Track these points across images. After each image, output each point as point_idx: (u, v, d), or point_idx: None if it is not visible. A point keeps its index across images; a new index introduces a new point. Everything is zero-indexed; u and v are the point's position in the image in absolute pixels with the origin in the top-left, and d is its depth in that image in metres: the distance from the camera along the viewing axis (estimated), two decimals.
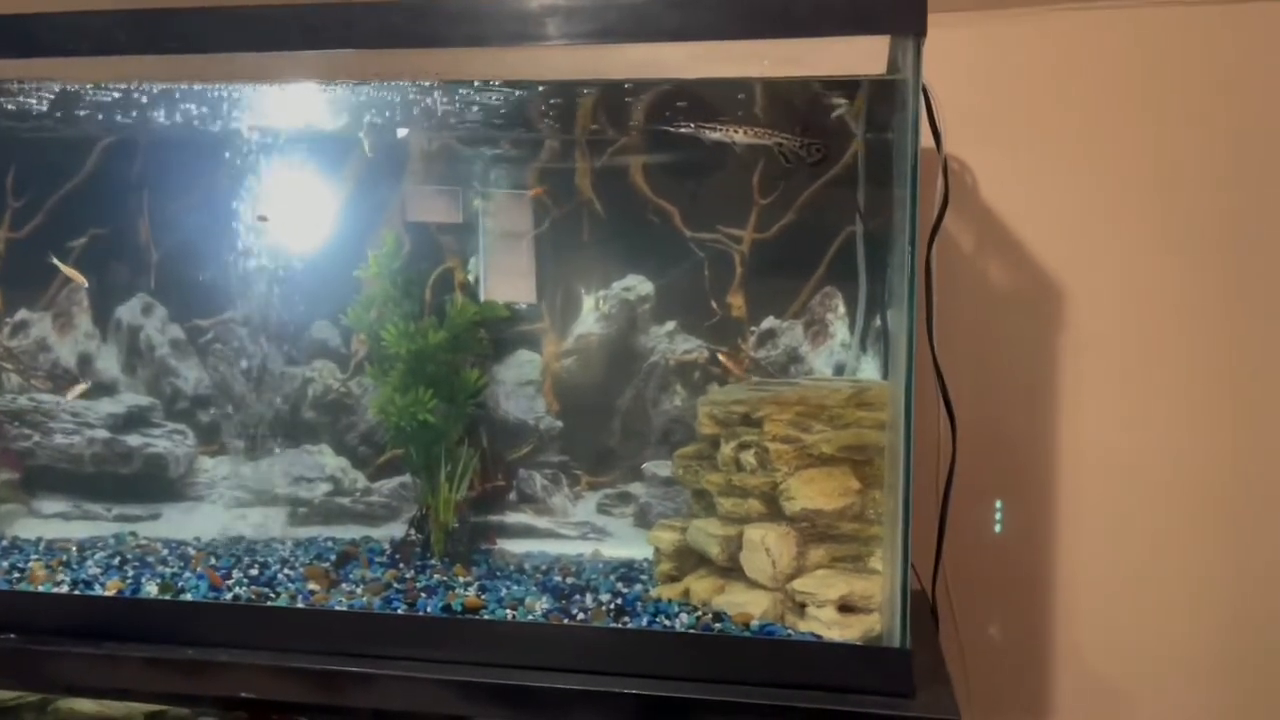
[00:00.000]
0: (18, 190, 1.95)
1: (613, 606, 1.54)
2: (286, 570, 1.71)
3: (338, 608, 1.56)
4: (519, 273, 1.84)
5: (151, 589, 1.62)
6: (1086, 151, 1.79)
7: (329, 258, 1.86)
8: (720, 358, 1.76)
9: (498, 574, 1.72)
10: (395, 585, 1.65)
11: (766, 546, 1.51)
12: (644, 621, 1.50)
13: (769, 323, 1.77)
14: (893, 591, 1.40)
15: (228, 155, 1.83)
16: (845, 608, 1.45)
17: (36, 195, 1.95)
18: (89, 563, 1.75)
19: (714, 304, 1.77)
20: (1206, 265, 1.78)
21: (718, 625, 1.47)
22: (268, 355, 1.93)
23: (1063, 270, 1.82)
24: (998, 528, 1.84)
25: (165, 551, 1.82)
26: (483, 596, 1.58)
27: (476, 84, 1.65)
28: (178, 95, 1.75)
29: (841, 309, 1.75)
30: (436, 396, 1.76)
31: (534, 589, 1.63)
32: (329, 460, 1.92)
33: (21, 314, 2.00)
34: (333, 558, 1.77)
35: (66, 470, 1.97)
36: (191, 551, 1.83)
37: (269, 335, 1.92)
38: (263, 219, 1.82)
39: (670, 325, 1.81)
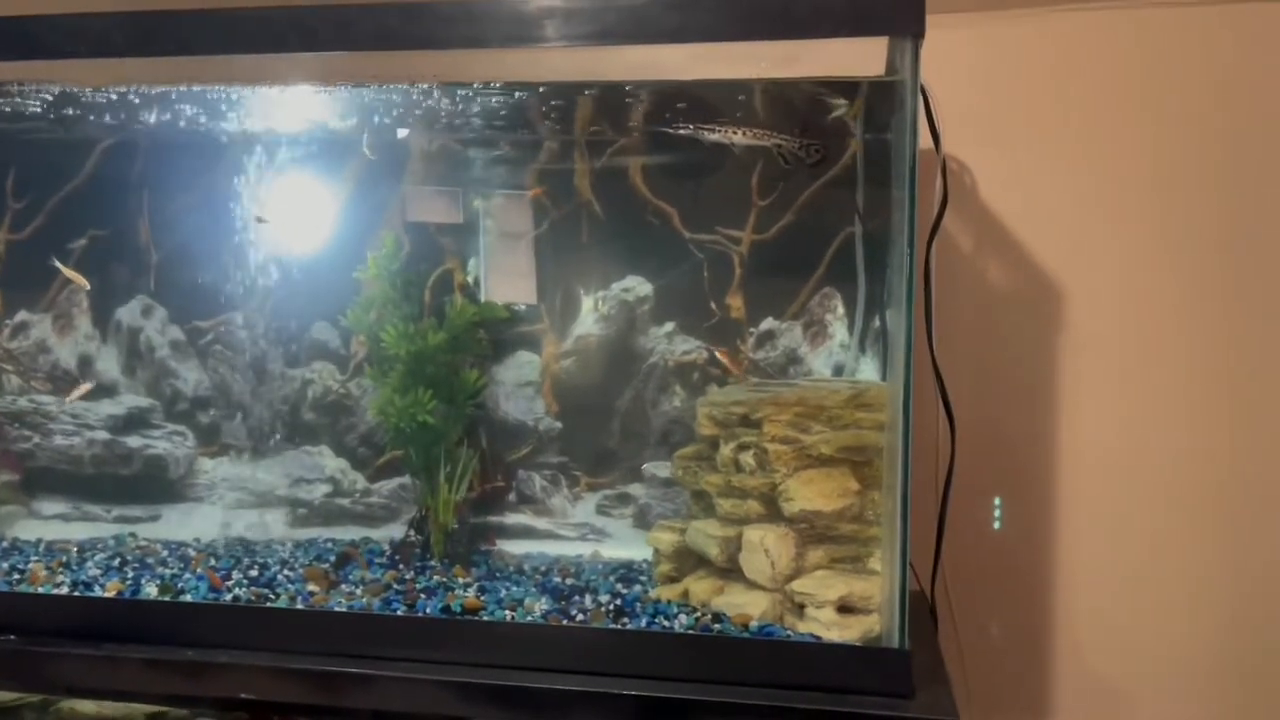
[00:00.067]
0: (18, 192, 1.96)
1: (612, 607, 1.55)
2: (286, 571, 1.71)
3: (337, 609, 1.56)
4: (519, 273, 1.84)
5: (151, 590, 1.62)
6: (1086, 152, 1.79)
7: (328, 259, 1.86)
8: (717, 355, 1.76)
9: (497, 575, 1.72)
10: (395, 586, 1.65)
11: (765, 547, 1.51)
12: (643, 622, 1.50)
13: (768, 324, 1.77)
14: (892, 592, 1.40)
15: (227, 157, 1.83)
16: (844, 608, 1.45)
17: (36, 197, 1.95)
18: (89, 564, 1.75)
19: (713, 305, 1.77)
20: (1205, 265, 1.78)
21: (717, 626, 1.47)
22: (267, 357, 1.93)
23: (1062, 270, 1.82)
24: (997, 524, 1.84)
25: (165, 553, 1.82)
26: (482, 597, 1.58)
27: (475, 86, 1.65)
28: (176, 97, 1.76)
29: (840, 310, 1.75)
30: (436, 398, 1.76)
31: (533, 590, 1.63)
32: (328, 461, 1.92)
33: (21, 315, 2.00)
34: (332, 559, 1.78)
35: (66, 472, 1.97)
36: (191, 553, 1.83)
37: (269, 337, 1.93)
38: (261, 220, 1.83)
39: (669, 326, 1.82)
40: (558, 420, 1.86)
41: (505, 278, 1.85)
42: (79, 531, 1.93)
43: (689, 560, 1.64)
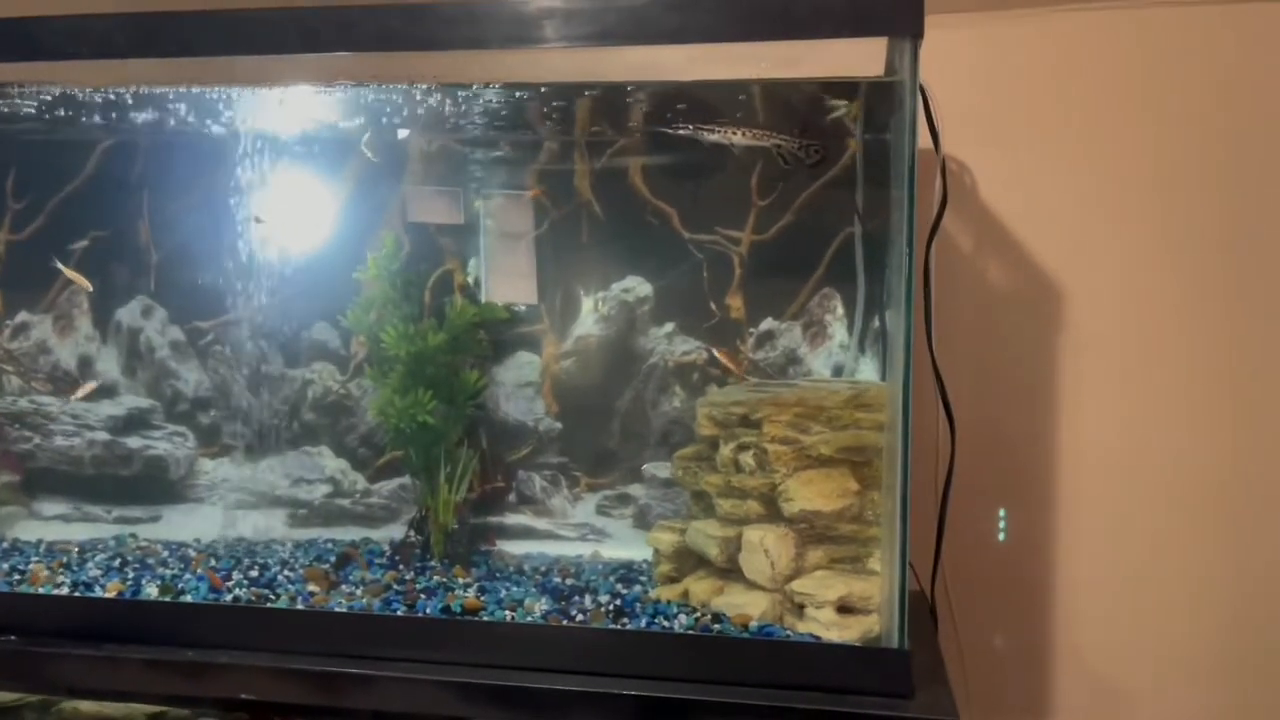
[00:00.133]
0: (18, 192, 1.96)
1: (612, 608, 1.55)
2: (286, 572, 1.71)
3: (337, 609, 1.57)
4: (519, 274, 1.84)
5: (152, 591, 1.63)
6: (1086, 152, 1.79)
7: (329, 259, 1.86)
8: (716, 355, 1.76)
9: (497, 575, 1.72)
10: (395, 587, 1.65)
11: (765, 548, 1.51)
12: (643, 623, 1.50)
13: (768, 324, 1.77)
14: (891, 592, 1.40)
15: (227, 158, 1.83)
16: (844, 609, 1.45)
17: (37, 198, 1.95)
18: (89, 565, 1.75)
19: (713, 305, 1.77)
20: (1206, 265, 1.78)
21: (716, 626, 1.47)
22: (268, 357, 1.93)
23: (1062, 270, 1.82)
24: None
25: (165, 553, 1.83)
26: (482, 598, 1.58)
27: (475, 86, 1.65)
28: (177, 98, 1.76)
29: (840, 310, 1.75)
30: (436, 398, 1.77)
31: (533, 590, 1.63)
32: (329, 462, 1.93)
33: (22, 316, 2.00)
34: (332, 559, 1.78)
35: (67, 472, 1.97)
36: (192, 553, 1.83)
37: (269, 337, 1.93)
38: (258, 220, 1.83)
39: (669, 327, 1.82)
40: (558, 421, 1.86)
41: (505, 278, 1.85)
42: (79, 532, 1.94)
43: (689, 560, 1.64)
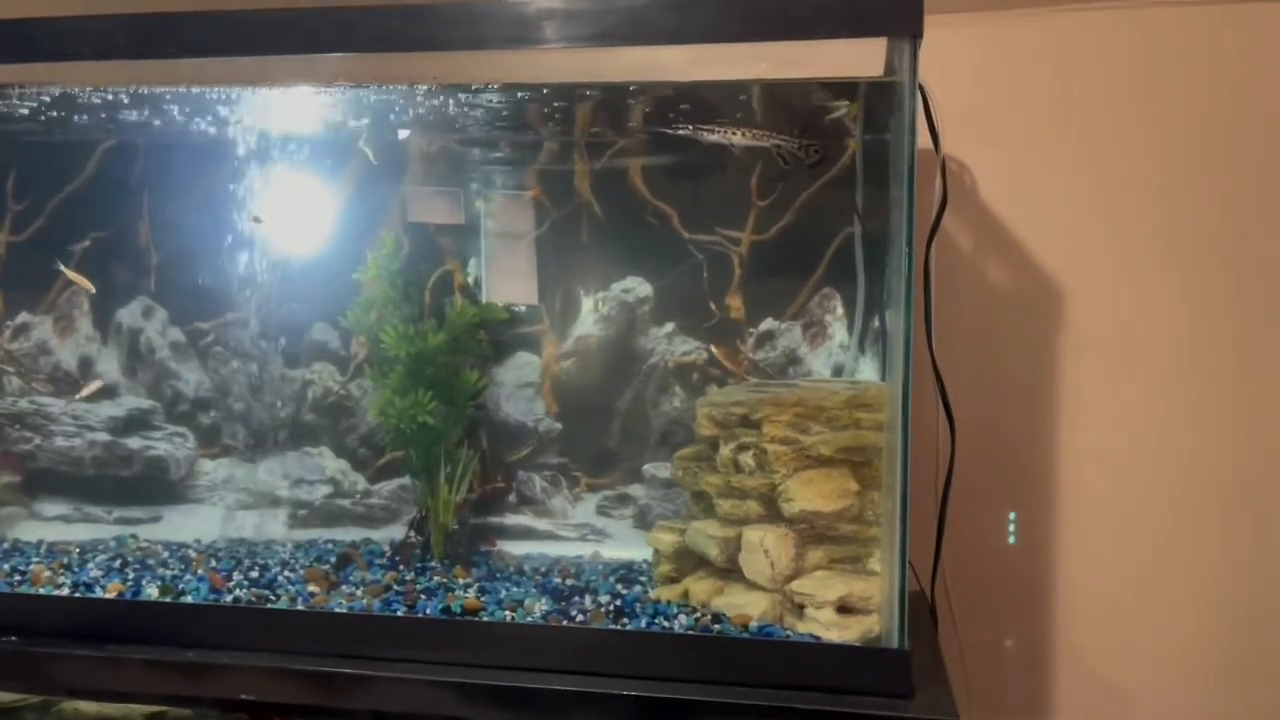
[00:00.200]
0: (18, 193, 1.96)
1: (612, 608, 1.55)
2: (287, 572, 1.72)
3: (338, 610, 1.57)
4: (521, 274, 1.84)
5: (152, 591, 1.63)
6: (1087, 152, 1.79)
7: (329, 260, 1.86)
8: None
9: (497, 576, 1.72)
10: (395, 587, 1.65)
11: (765, 548, 1.51)
12: (643, 623, 1.50)
13: (768, 324, 1.77)
14: (891, 592, 1.40)
15: (227, 158, 1.83)
16: (844, 609, 1.45)
17: (37, 198, 1.95)
18: (90, 565, 1.75)
19: (713, 306, 1.77)
20: (1207, 265, 1.78)
21: (716, 626, 1.47)
22: (268, 358, 1.94)
23: (1063, 270, 1.82)
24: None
25: (166, 554, 1.83)
26: (482, 598, 1.58)
27: (475, 87, 1.65)
28: (177, 99, 1.76)
29: (840, 310, 1.75)
30: (436, 399, 1.77)
31: (533, 591, 1.63)
32: (329, 463, 1.93)
33: (23, 317, 2.00)
34: (333, 560, 1.78)
35: (67, 473, 1.97)
36: (192, 554, 1.83)
37: (269, 338, 1.93)
38: (257, 220, 1.83)
39: (669, 327, 1.82)
40: (558, 421, 1.86)
41: (505, 278, 1.85)
42: (80, 533, 1.94)
43: (689, 561, 1.64)
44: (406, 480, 1.88)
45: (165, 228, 1.93)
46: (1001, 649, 1.86)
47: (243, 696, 1.47)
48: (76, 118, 1.85)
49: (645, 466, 1.82)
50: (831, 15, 1.33)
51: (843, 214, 1.71)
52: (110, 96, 1.77)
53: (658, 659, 1.41)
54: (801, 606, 1.47)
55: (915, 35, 1.31)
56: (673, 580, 1.64)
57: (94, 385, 1.95)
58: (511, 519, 1.86)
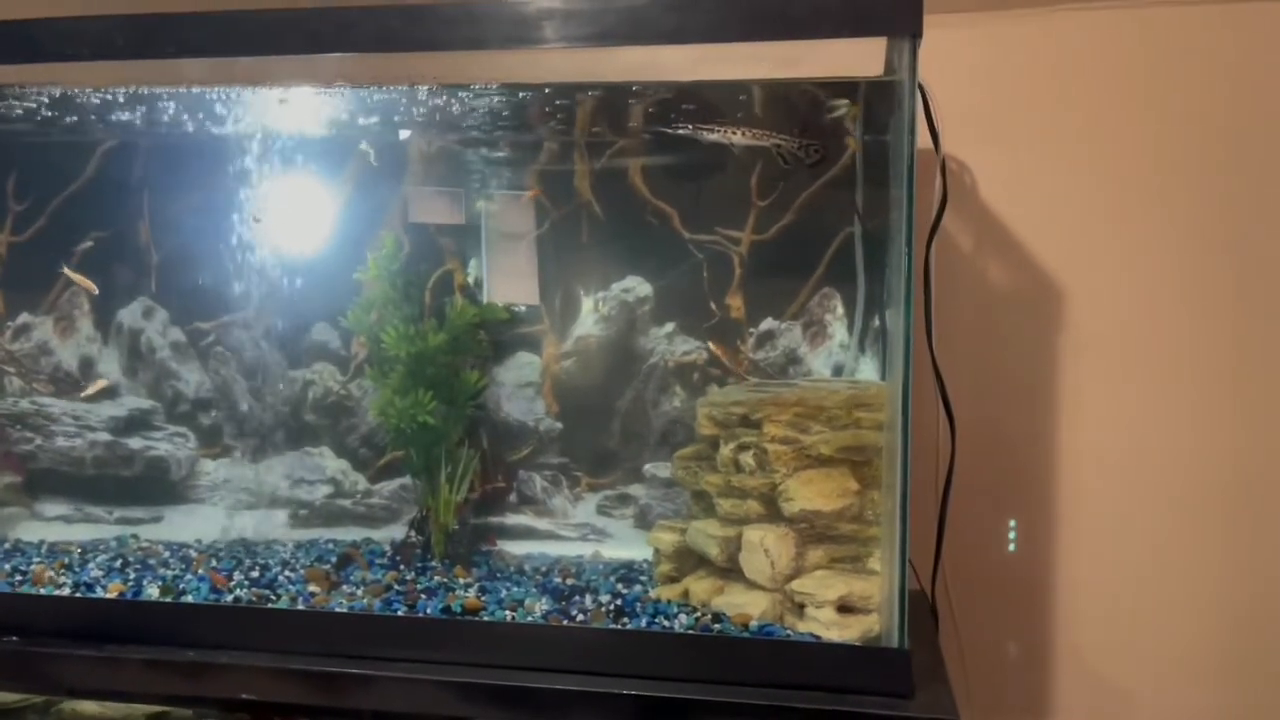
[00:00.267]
0: (19, 194, 1.96)
1: (612, 607, 1.55)
2: (287, 572, 1.72)
3: (338, 609, 1.57)
4: (520, 274, 1.84)
5: (153, 591, 1.63)
6: (1087, 151, 1.79)
7: (329, 260, 1.86)
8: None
9: (498, 575, 1.72)
10: (395, 587, 1.65)
11: (765, 547, 1.51)
12: (643, 622, 1.50)
13: (768, 324, 1.77)
14: (891, 591, 1.40)
15: (227, 159, 1.83)
16: (844, 608, 1.45)
17: (38, 199, 1.95)
18: (91, 565, 1.76)
19: (713, 305, 1.77)
20: (1207, 265, 1.78)
21: (717, 626, 1.48)
22: (268, 358, 1.94)
23: (1063, 270, 1.82)
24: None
25: (167, 554, 1.83)
26: (483, 598, 1.58)
27: (475, 87, 1.65)
28: (177, 99, 1.76)
29: (840, 310, 1.75)
30: (436, 398, 1.77)
31: (534, 590, 1.63)
32: (329, 463, 1.93)
33: (24, 318, 2.01)
34: (333, 560, 1.78)
35: (68, 473, 1.97)
36: (193, 554, 1.83)
37: (270, 338, 1.93)
38: (257, 220, 1.83)
39: (669, 327, 1.82)
40: (558, 421, 1.86)
41: (506, 278, 1.85)
42: (81, 533, 1.94)
43: (689, 560, 1.64)
44: (407, 480, 1.89)
45: (166, 228, 1.93)
46: (1002, 648, 1.86)
47: (243, 696, 1.47)
48: (77, 118, 1.85)
49: (646, 466, 1.82)
50: (831, 15, 1.33)
51: (843, 214, 1.71)
52: (110, 97, 1.77)
53: (658, 658, 1.41)
54: (802, 606, 1.47)
55: (915, 35, 1.31)
56: (673, 580, 1.64)
57: (100, 383, 1.95)
58: (512, 519, 1.86)
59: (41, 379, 1.99)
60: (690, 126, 1.62)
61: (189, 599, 1.61)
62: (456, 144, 1.84)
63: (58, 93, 1.77)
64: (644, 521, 1.81)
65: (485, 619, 1.52)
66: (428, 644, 1.47)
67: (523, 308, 1.85)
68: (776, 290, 1.76)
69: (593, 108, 1.77)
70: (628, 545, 1.82)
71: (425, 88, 1.67)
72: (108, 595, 1.62)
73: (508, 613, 1.53)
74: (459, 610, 1.54)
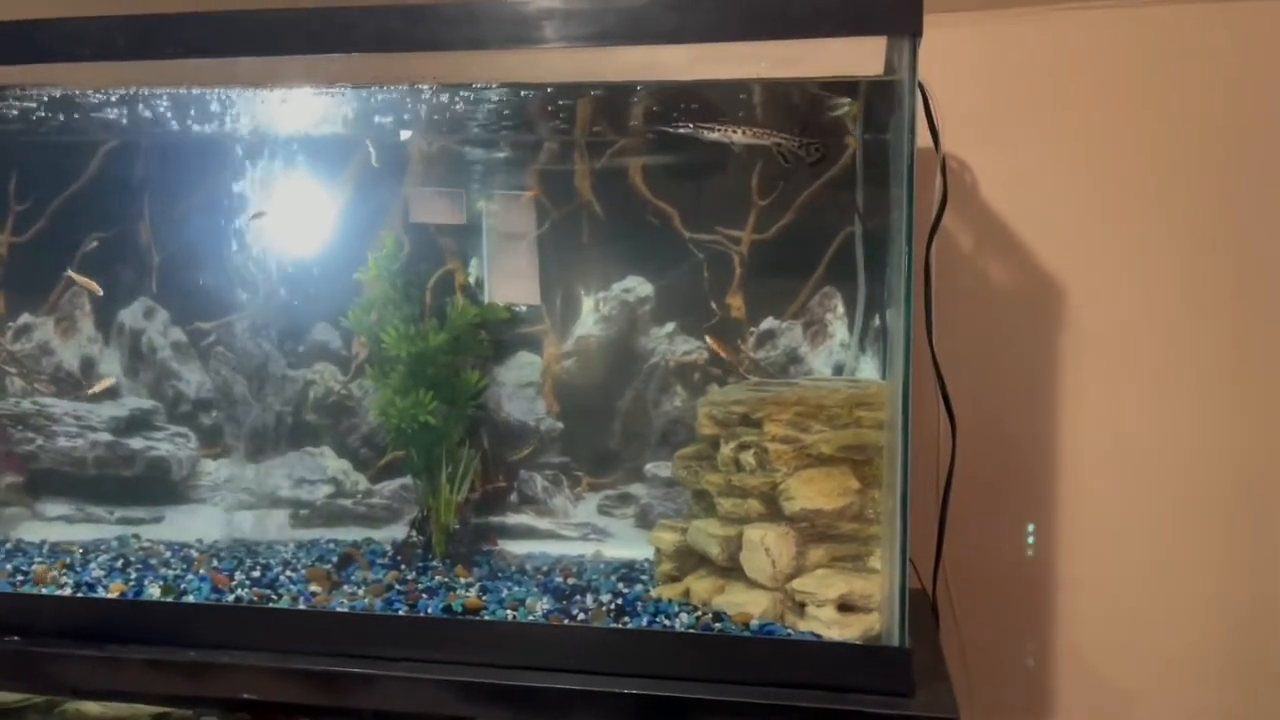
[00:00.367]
0: (20, 194, 1.96)
1: (613, 607, 1.55)
2: (288, 572, 1.72)
3: (339, 609, 1.57)
4: (523, 274, 1.84)
5: (154, 591, 1.63)
6: (1086, 150, 1.79)
7: (330, 260, 1.86)
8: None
9: (499, 575, 1.72)
10: (397, 587, 1.65)
11: (766, 546, 1.51)
12: (644, 622, 1.50)
13: (768, 323, 1.77)
14: (892, 590, 1.40)
15: (228, 159, 1.83)
16: (845, 607, 1.45)
17: (38, 199, 1.96)
18: (92, 565, 1.76)
19: (713, 305, 1.78)
20: (1207, 264, 1.78)
21: (718, 625, 1.48)
22: (269, 358, 1.94)
23: (1063, 269, 1.82)
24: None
25: (168, 554, 1.83)
26: (484, 597, 1.58)
27: (475, 87, 1.66)
28: (178, 100, 1.76)
29: (840, 309, 1.75)
30: (437, 398, 1.77)
31: (535, 590, 1.63)
32: (330, 463, 1.93)
33: (25, 318, 2.01)
34: (334, 559, 1.78)
35: (69, 473, 1.98)
36: (194, 554, 1.83)
37: (270, 338, 1.93)
38: (258, 215, 1.83)
39: (670, 326, 1.82)
40: (559, 420, 1.86)
41: (507, 278, 1.85)
42: (83, 533, 1.94)
43: (690, 559, 1.64)
44: (408, 480, 1.89)
45: (166, 228, 1.93)
46: (1003, 646, 1.86)
47: (245, 696, 1.47)
48: (77, 119, 1.85)
49: (646, 466, 1.82)
50: (831, 14, 1.33)
51: (843, 213, 1.71)
52: (111, 97, 1.77)
53: (659, 658, 1.41)
54: (802, 605, 1.47)
55: (915, 34, 1.31)
56: (674, 579, 1.64)
57: (107, 381, 1.95)
58: (513, 518, 1.86)
59: (43, 379, 1.99)
60: (691, 125, 1.62)
61: (190, 599, 1.61)
62: (456, 144, 1.84)
63: (58, 93, 1.77)
64: (645, 521, 1.81)
65: (486, 618, 1.52)
66: (429, 644, 1.47)
67: (523, 308, 1.85)
68: (777, 289, 1.76)
69: (593, 107, 1.77)
70: (629, 545, 1.82)
71: (426, 87, 1.67)
72: (109, 595, 1.62)
73: (509, 612, 1.53)
74: (460, 610, 1.54)
